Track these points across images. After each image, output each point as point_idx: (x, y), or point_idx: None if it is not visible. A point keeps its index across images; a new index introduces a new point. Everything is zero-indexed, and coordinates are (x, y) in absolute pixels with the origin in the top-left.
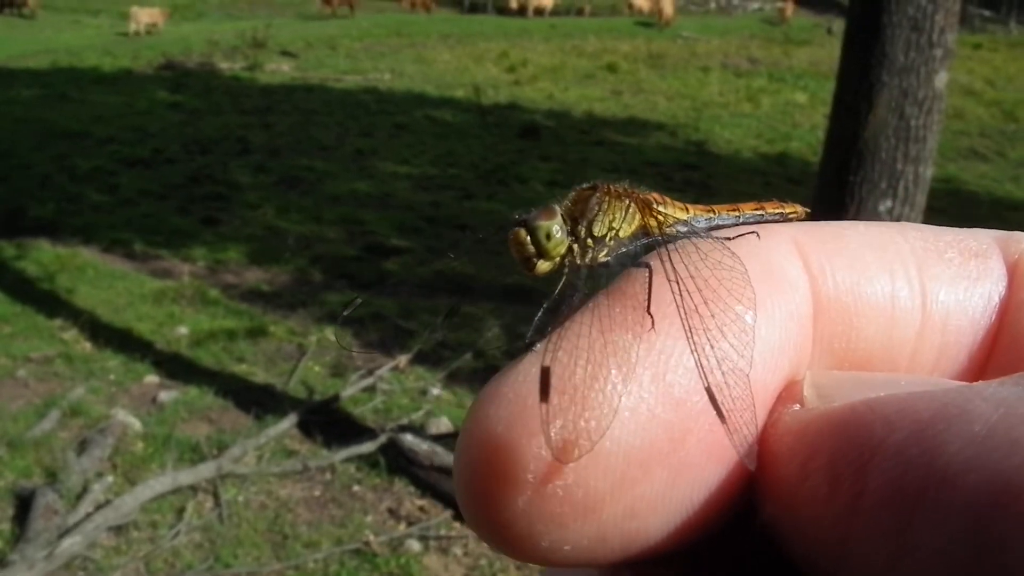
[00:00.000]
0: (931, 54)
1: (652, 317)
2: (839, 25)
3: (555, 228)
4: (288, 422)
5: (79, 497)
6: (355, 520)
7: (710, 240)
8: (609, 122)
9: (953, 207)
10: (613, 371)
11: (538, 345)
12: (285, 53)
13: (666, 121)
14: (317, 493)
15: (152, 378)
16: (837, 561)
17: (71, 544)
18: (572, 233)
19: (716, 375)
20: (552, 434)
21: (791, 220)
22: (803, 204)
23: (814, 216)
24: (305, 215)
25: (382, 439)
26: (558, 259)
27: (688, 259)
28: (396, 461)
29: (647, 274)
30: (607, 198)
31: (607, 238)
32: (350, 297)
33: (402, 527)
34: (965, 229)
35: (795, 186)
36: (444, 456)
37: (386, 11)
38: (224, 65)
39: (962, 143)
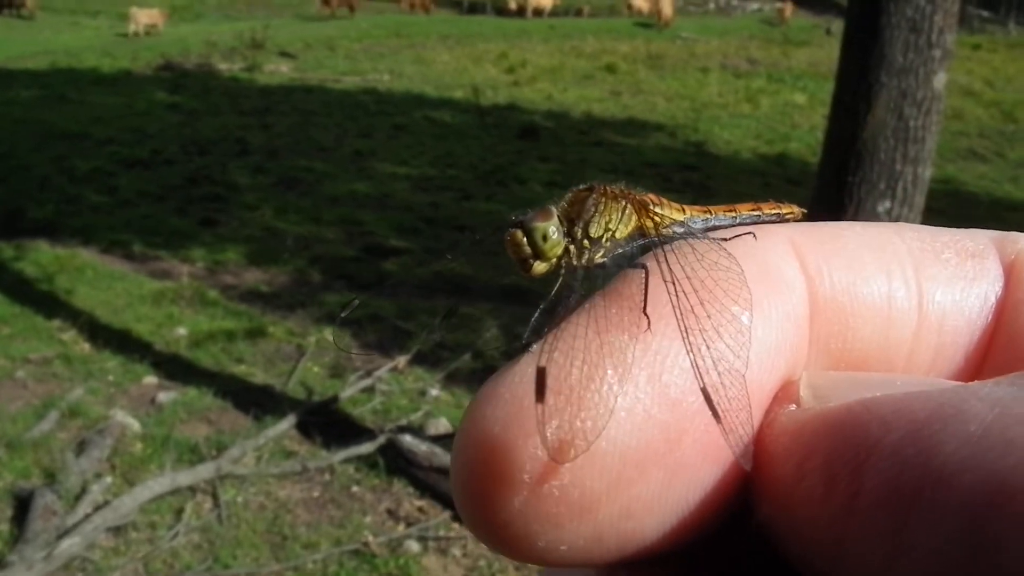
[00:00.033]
0: (930, 55)
1: (648, 318)
2: (838, 26)
3: (551, 229)
4: (287, 423)
5: (78, 498)
6: (354, 521)
7: (706, 241)
8: (608, 123)
9: (952, 208)
10: (609, 372)
11: (534, 346)
12: (284, 54)
13: (665, 122)
14: (316, 494)
15: (151, 379)
16: (833, 561)
17: (70, 545)
18: (568, 234)
19: (712, 375)
20: (548, 434)
21: (788, 221)
22: (802, 205)
23: (813, 217)
24: (304, 216)
25: (381, 440)
26: (554, 260)
27: (684, 260)
28: (395, 462)
29: (643, 275)
30: (603, 199)
31: (603, 239)
32: (349, 298)
33: (401, 528)
34: (962, 230)
35: (794, 187)
36: (443, 457)
37: (385, 12)
38: (223, 66)
39: (961, 144)
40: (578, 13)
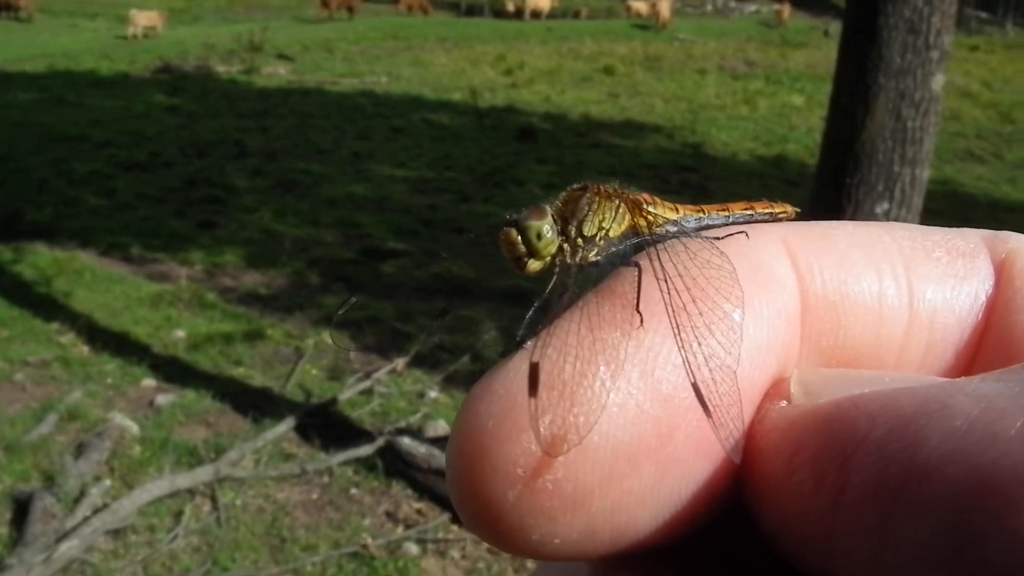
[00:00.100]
0: (928, 56)
1: (641, 315)
2: (836, 27)
3: (545, 228)
4: (286, 425)
5: (77, 501)
6: (353, 523)
7: (699, 240)
8: (606, 124)
9: (950, 209)
10: (602, 368)
11: (528, 343)
12: (281, 56)
13: (663, 123)
14: (315, 496)
15: (149, 381)
16: (822, 556)
17: (69, 548)
18: (562, 233)
19: (703, 371)
20: (541, 429)
21: (781, 220)
22: (800, 206)
23: (811, 219)
24: (302, 218)
25: (380, 442)
26: (549, 258)
27: (677, 258)
28: (394, 464)
29: (636, 273)
30: (597, 198)
31: (597, 238)
32: (347, 298)
33: (400, 530)
34: (953, 229)
35: (792, 188)
36: (442, 459)
37: (383, 14)
38: (221, 68)
39: (959, 145)
40: (576, 15)
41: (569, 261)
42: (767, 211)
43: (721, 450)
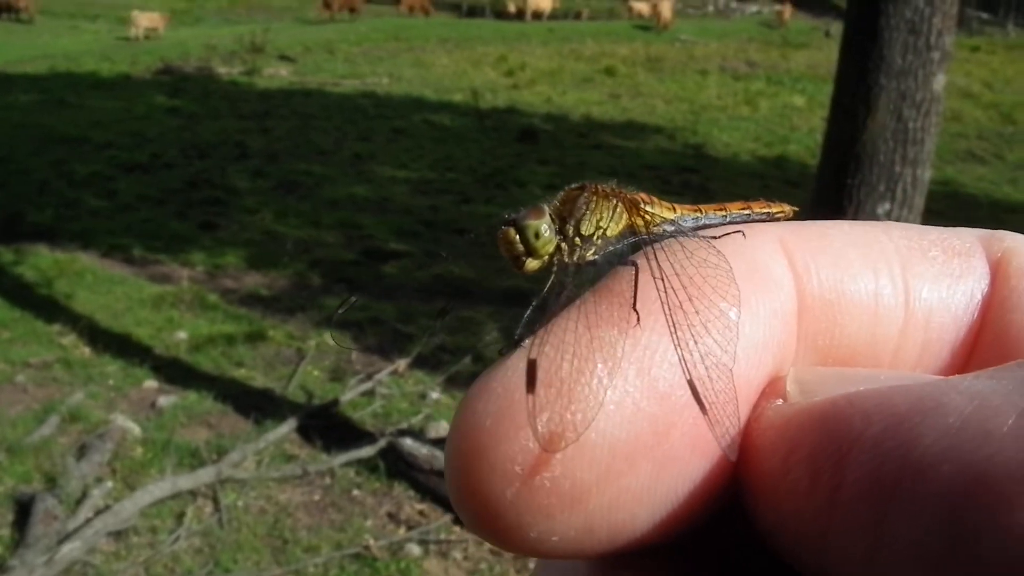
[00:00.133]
0: (929, 57)
1: (638, 313)
2: (837, 28)
3: (543, 227)
4: (287, 426)
5: (79, 502)
6: (355, 524)
7: (696, 239)
8: (607, 126)
9: (951, 209)
10: (599, 365)
11: (526, 341)
12: (283, 58)
13: (664, 124)
14: (317, 497)
15: (151, 383)
16: (818, 554)
17: (71, 550)
18: (560, 232)
19: (699, 369)
20: (539, 426)
21: (778, 219)
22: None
23: (812, 219)
24: (303, 219)
25: (381, 443)
26: (547, 257)
27: (674, 257)
28: (396, 465)
29: (633, 272)
30: (595, 198)
31: (595, 237)
32: (346, 297)
33: (402, 531)
34: (949, 228)
35: (793, 189)
36: (443, 460)
37: (384, 15)
38: (222, 70)
39: (960, 145)
40: (577, 16)
41: (567, 260)
42: (764, 211)
43: (717, 448)
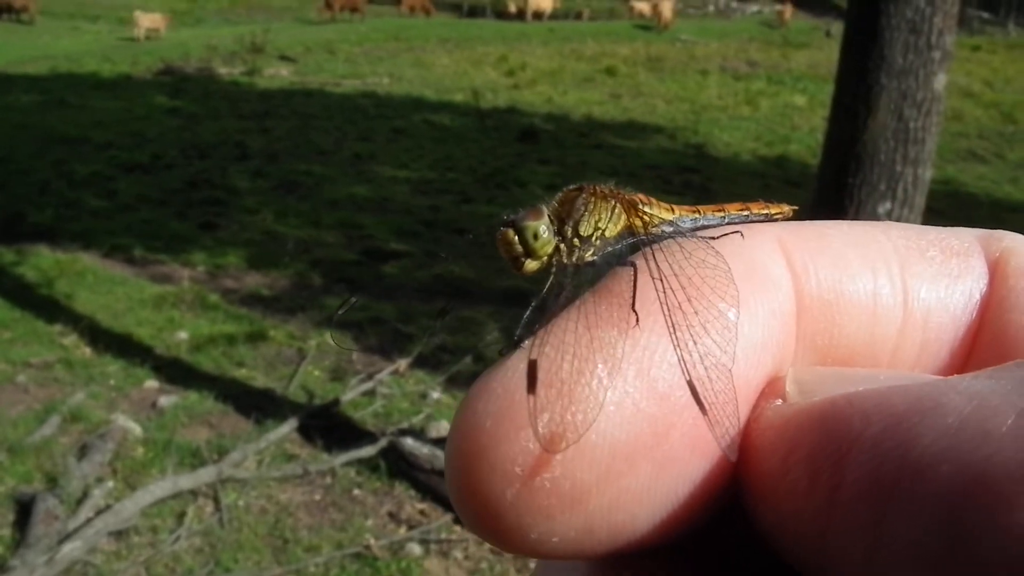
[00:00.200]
0: (930, 56)
1: (637, 314)
2: (838, 28)
3: (542, 228)
4: (288, 426)
5: (79, 502)
6: (356, 524)
7: (695, 239)
8: (608, 125)
9: (952, 209)
10: (599, 366)
11: (525, 342)
12: (283, 58)
13: (665, 124)
14: (317, 497)
15: (152, 383)
16: (818, 554)
17: (71, 549)
18: (559, 233)
19: (698, 369)
20: (539, 426)
21: (777, 220)
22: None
23: (813, 219)
24: (304, 219)
25: (382, 443)
26: (545, 258)
27: (672, 258)
28: (396, 465)
29: (632, 272)
30: (593, 199)
31: (593, 238)
32: (347, 298)
33: (403, 531)
34: (947, 228)
35: (794, 188)
36: (444, 459)
37: (385, 15)
38: (223, 70)
39: (961, 145)
40: (578, 16)
41: (566, 261)
42: (763, 211)
43: (717, 448)
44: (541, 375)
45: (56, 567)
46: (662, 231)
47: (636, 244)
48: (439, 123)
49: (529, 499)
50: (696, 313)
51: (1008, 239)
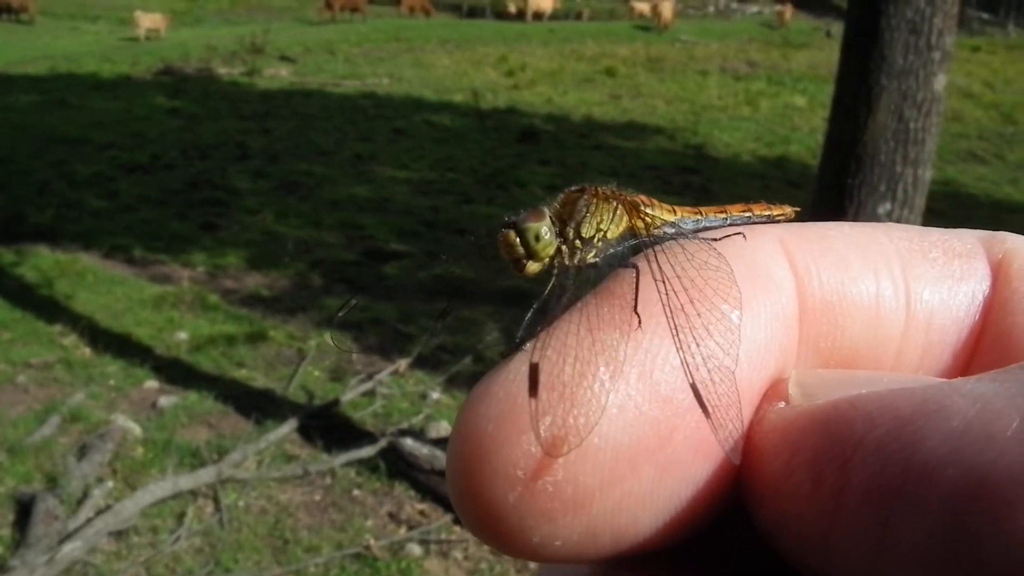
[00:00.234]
0: (929, 57)
1: (639, 316)
2: (838, 28)
3: (544, 230)
4: (288, 427)
5: (79, 502)
6: (355, 524)
7: (697, 241)
8: (608, 126)
9: (952, 209)
10: (601, 369)
11: (527, 344)
12: (283, 58)
13: (665, 125)
14: (317, 497)
15: (152, 383)
16: (822, 556)
17: (72, 549)
18: (561, 235)
19: (702, 372)
20: (541, 430)
21: (779, 222)
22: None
23: (813, 219)
24: (304, 220)
25: (382, 443)
26: (547, 260)
27: (675, 260)
28: (396, 465)
29: (634, 274)
30: (595, 200)
31: (595, 239)
32: (348, 299)
33: (403, 531)
34: (950, 229)
35: (794, 189)
36: (444, 460)
37: (385, 16)
38: (222, 70)
39: (961, 145)
40: (577, 16)
41: (567, 263)
42: (765, 213)
43: (720, 451)
44: (543, 378)
45: (56, 567)
46: (664, 233)
47: (638, 246)
48: (439, 124)
49: (531, 503)
50: (699, 315)
51: (1011, 240)
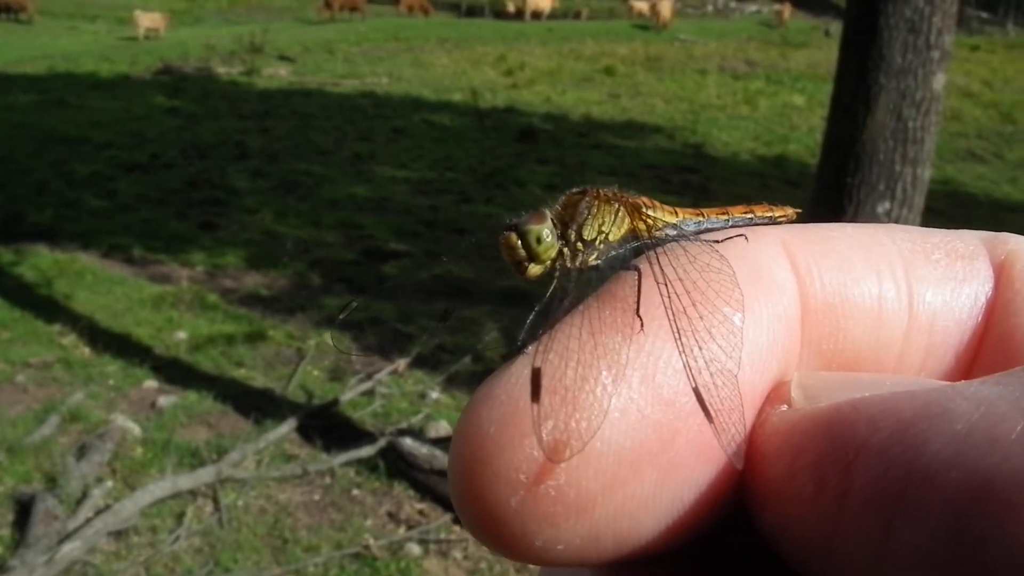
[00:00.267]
0: (929, 56)
1: (641, 319)
2: (836, 27)
3: (545, 232)
4: (287, 426)
5: (79, 502)
6: (355, 524)
7: (699, 243)
8: (607, 125)
9: (951, 209)
10: (603, 372)
11: (529, 347)
12: (283, 58)
13: (664, 124)
14: (317, 497)
15: (151, 383)
16: (824, 559)
17: (71, 549)
18: (562, 237)
19: (704, 376)
20: (544, 434)
21: (781, 223)
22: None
23: (812, 219)
24: (303, 219)
25: (381, 443)
26: (549, 263)
27: (677, 262)
28: (395, 465)
29: (636, 277)
30: (596, 202)
31: (597, 242)
32: (348, 302)
33: (402, 531)
34: (952, 231)
35: (793, 188)
36: (443, 459)
37: (384, 15)
38: (222, 70)
39: (960, 145)
40: (576, 15)
41: (569, 265)
42: (767, 214)
43: (722, 454)
44: (545, 382)
45: (55, 567)
46: (666, 234)
47: (640, 248)
48: (438, 123)
49: (534, 507)
50: (701, 318)
51: (1013, 242)
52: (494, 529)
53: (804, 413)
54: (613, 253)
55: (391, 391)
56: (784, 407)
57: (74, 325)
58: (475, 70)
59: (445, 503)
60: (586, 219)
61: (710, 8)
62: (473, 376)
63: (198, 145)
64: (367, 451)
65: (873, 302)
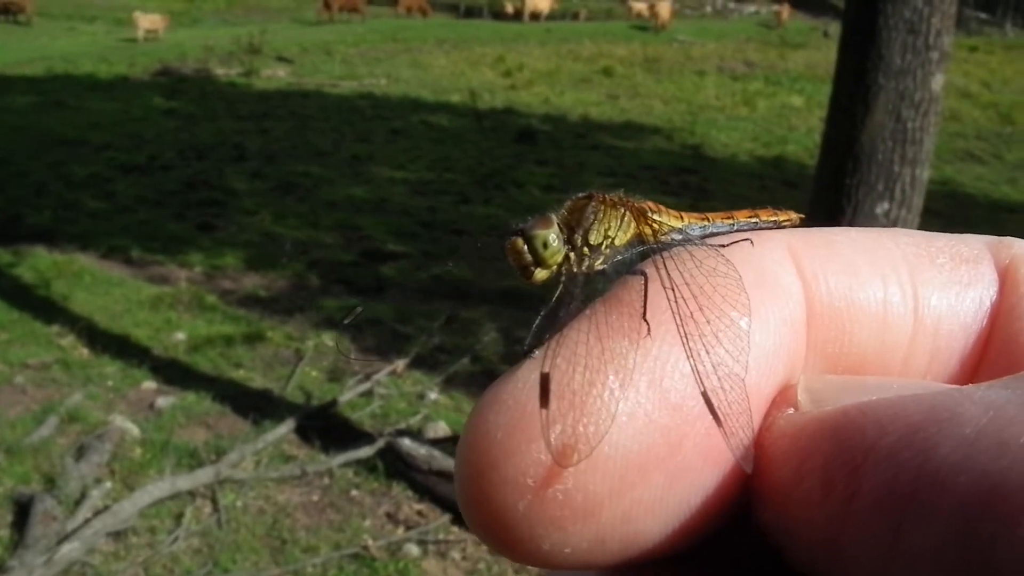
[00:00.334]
0: (927, 57)
1: (648, 324)
2: (835, 28)
3: (551, 237)
4: (286, 427)
5: (78, 503)
6: (353, 524)
7: (704, 248)
8: (605, 126)
9: (950, 209)
10: (611, 377)
11: (536, 352)
12: (281, 59)
13: (662, 125)
14: (315, 498)
15: (150, 384)
16: (831, 563)
17: (70, 550)
18: (568, 242)
19: (712, 380)
20: (551, 439)
21: (785, 227)
22: (799, 207)
23: (811, 219)
24: (302, 220)
25: (380, 443)
26: (555, 267)
27: (683, 266)
28: (394, 465)
29: (643, 282)
30: (602, 207)
31: (603, 246)
32: (347, 302)
33: (400, 531)
34: (957, 235)
35: (791, 189)
36: (442, 460)
37: (382, 16)
38: (220, 71)
39: (958, 145)
40: (575, 16)
41: (575, 270)
42: (771, 219)
43: (728, 458)
44: (553, 387)
45: (54, 568)
46: (671, 239)
47: (646, 252)
48: (437, 124)
49: (541, 511)
50: (708, 322)
51: (1017, 246)
52: (501, 533)
53: (811, 416)
54: (619, 258)
55: (390, 392)
56: (791, 410)
57: (73, 326)
58: (473, 71)
59: (444, 503)
60: (592, 224)
61: (708, 9)
62: (472, 377)
63: (196, 146)
64: (366, 452)
65: (878, 306)
